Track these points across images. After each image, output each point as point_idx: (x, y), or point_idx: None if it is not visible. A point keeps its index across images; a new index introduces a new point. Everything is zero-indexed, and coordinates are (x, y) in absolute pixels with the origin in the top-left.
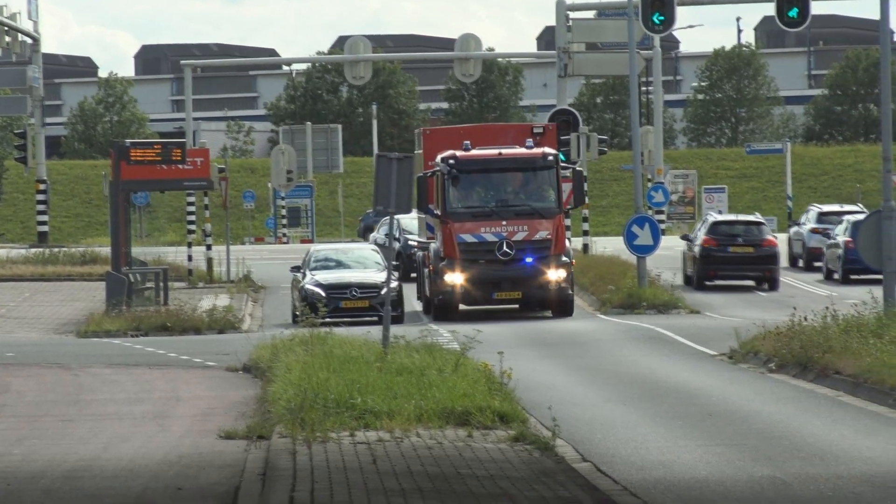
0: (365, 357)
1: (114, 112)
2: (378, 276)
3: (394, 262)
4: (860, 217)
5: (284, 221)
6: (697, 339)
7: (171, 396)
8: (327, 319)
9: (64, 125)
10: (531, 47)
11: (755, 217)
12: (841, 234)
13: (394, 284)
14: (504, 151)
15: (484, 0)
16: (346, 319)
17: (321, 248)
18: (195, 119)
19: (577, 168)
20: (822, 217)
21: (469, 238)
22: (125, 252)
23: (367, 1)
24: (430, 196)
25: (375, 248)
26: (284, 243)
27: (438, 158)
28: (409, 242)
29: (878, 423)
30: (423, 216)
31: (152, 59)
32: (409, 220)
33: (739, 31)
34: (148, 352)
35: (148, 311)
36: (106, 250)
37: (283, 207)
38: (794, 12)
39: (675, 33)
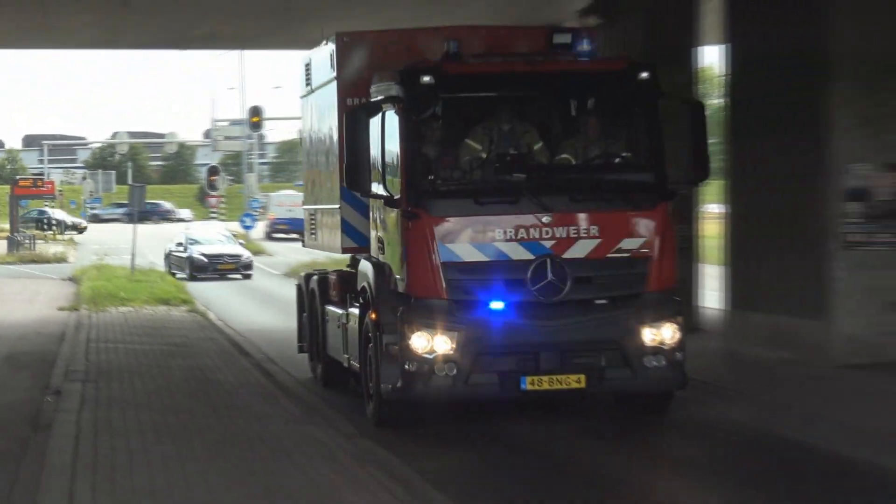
0: (125, 275)
1: (11, 165)
2: (235, 249)
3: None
4: None
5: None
6: None
7: (36, 291)
8: (213, 279)
9: None
10: (200, 136)
11: None
12: None
13: (248, 254)
14: (540, 60)
15: (183, 106)
16: (222, 277)
17: (188, 231)
18: (49, 168)
19: (696, 100)
20: None
21: (467, 253)
22: (17, 228)
23: (139, 108)
24: (362, 161)
25: (225, 230)
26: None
27: (395, 77)
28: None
29: None
30: (336, 206)
31: (30, 139)
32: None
33: None
34: (27, 272)
35: (27, 253)
36: (6, 227)
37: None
38: None
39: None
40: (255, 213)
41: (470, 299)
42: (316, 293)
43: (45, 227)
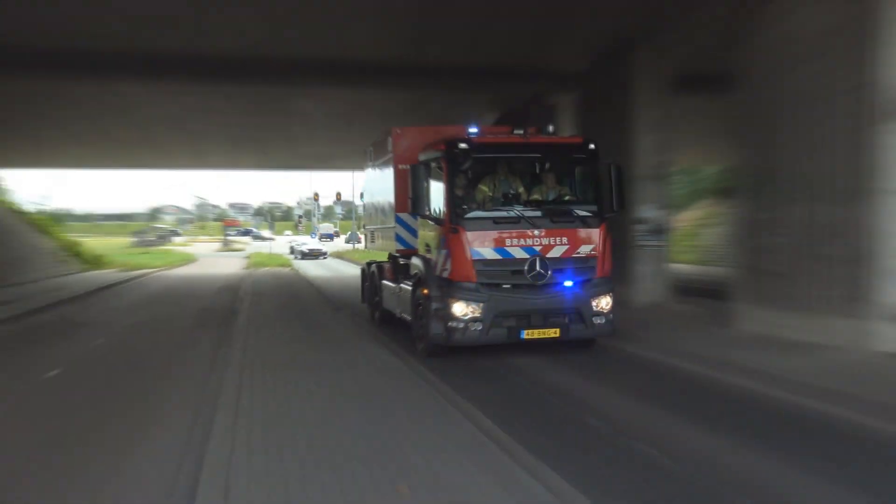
0: (266, 255)
1: (218, 214)
2: (321, 246)
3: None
4: None
5: None
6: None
7: (231, 262)
8: (310, 259)
9: None
10: (293, 202)
11: None
12: None
13: (326, 249)
14: (531, 137)
15: (276, 186)
16: (315, 258)
17: (297, 238)
18: (235, 214)
19: (614, 163)
20: None
21: (488, 253)
22: (225, 238)
23: (256, 187)
24: (420, 197)
25: (311, 238)
26: None
27: (441, 145)
28: (306, 247)
29: None
30: (391, 226)
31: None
32: (303, 239)
33: None
34: (228, 255)
35: (229, 248)
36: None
37: None
38: None
39: None
40: (315, 233)
41: (490, 282)
42: (375, 273)
43: (253, 237)
